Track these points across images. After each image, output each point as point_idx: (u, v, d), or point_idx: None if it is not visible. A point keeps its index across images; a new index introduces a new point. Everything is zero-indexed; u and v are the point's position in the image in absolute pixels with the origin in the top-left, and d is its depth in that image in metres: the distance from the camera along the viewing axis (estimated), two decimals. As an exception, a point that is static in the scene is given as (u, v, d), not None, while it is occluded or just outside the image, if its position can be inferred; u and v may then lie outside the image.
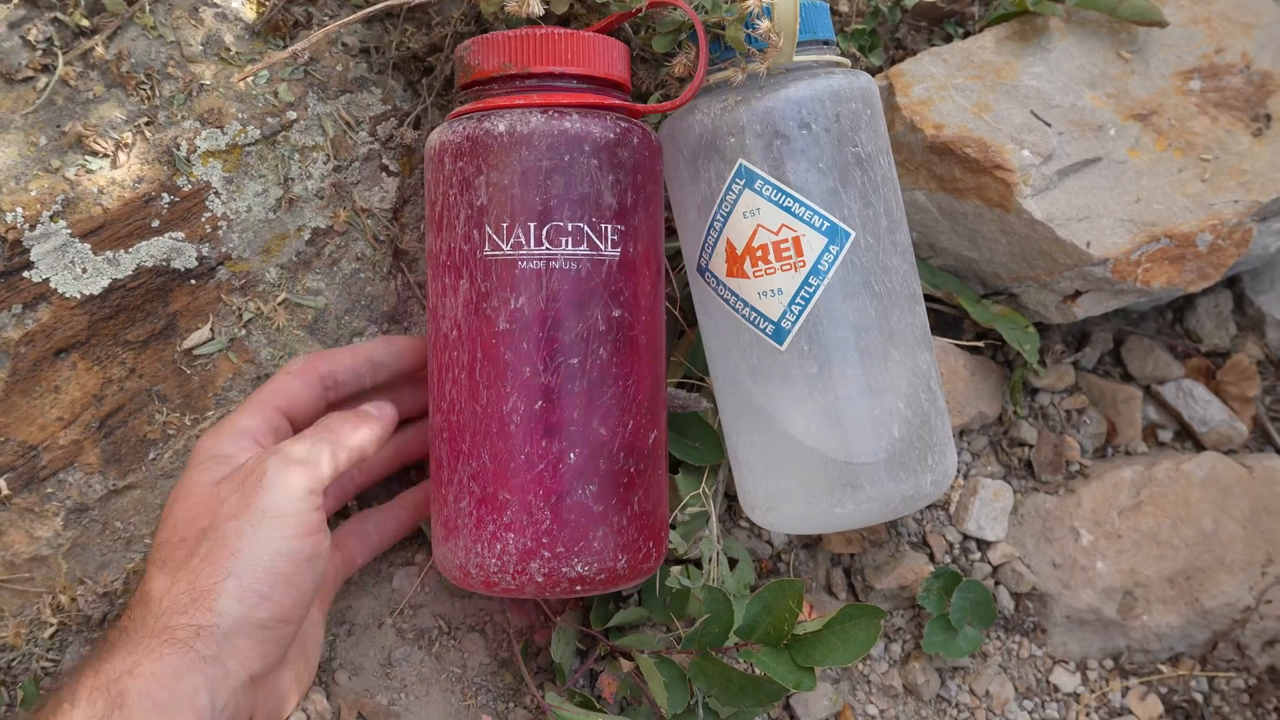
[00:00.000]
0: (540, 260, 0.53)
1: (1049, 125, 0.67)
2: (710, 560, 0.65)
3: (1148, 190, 0.68)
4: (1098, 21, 0.71)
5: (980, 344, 0.73)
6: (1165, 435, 0.78)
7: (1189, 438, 0.78)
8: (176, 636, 0.46)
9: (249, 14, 0.62)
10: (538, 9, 0.56)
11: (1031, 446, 0.74)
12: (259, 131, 0.62)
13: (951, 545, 0.71)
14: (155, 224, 0.60)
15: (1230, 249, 0.69)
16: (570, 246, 0.53)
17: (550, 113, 0.53)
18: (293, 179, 0.62)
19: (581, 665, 0.63)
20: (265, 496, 0.49)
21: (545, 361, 0.53)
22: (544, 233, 0.53)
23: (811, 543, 0.71)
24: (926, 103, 0.66)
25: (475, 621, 0.65)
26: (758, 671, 0.60)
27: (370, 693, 0.62)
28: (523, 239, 0.53)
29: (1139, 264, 0.67)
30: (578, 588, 0.54)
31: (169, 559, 0.49)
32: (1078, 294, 0.70)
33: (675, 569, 0.63)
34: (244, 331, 0.62)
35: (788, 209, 0.55)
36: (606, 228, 0.54)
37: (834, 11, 0.72)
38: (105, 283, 0.59)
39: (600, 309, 0.54)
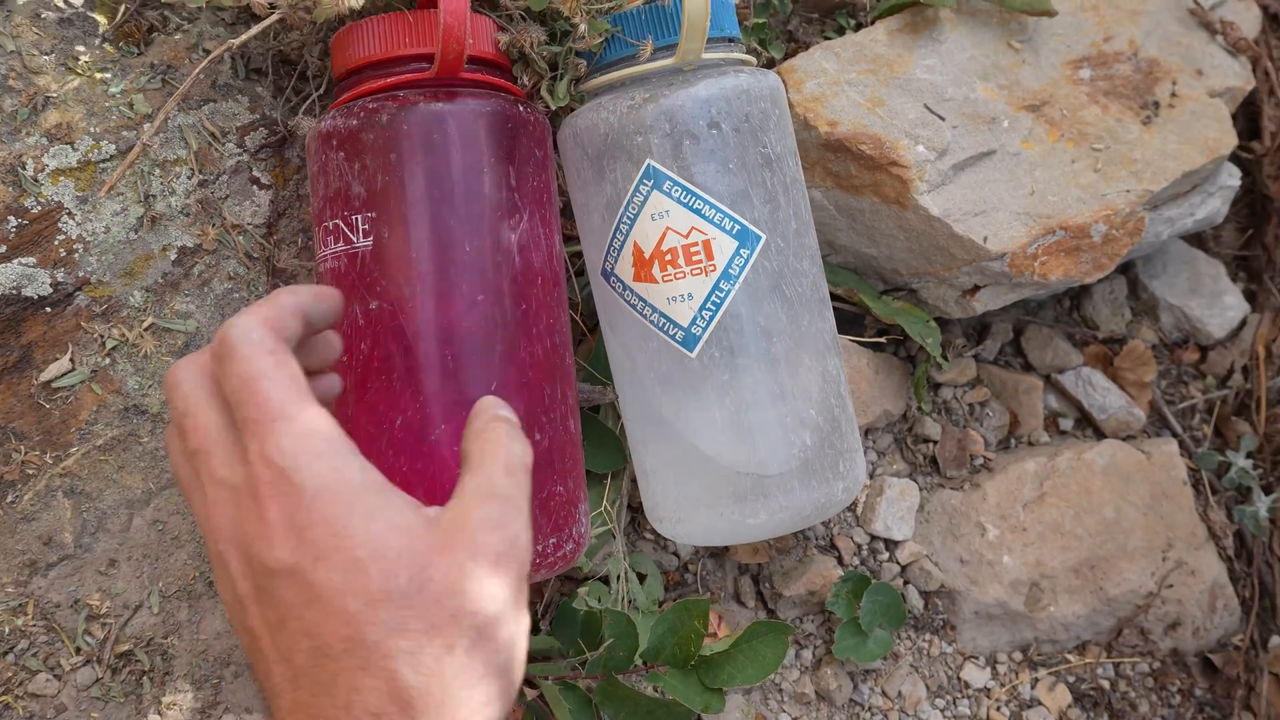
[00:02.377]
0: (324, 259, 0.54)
1: (943, 119, 0.66)
2: (618, 578, 0.63)
3: (1042, 182, 0.67)
4: (988, 12, 0.70)
5: (883, 340, 0.72)
6: (1066, 424, 0.78)
7: (1089, 425, 0.79)
8: None
9: (99, 19, 0.58)
10: (356, 2, 0.53)
11: (936, 442, 0.74)
12: (114, 146, 0.57)
13: (860, 546, 0.70)
14: (2, 250, 0.55)
15: (1124, 238, 0.69)
16: (332, 244, 0.53)
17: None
18: (154, 196, 0.58)
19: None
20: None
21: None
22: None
23: (719, 552, 0.69)
24: (820, 99, 0.65)
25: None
26: (666, 694, 0.58)
27: (261, 736, 0.59)
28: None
29: (1035, 257, 0.67)
30: None
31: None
32: (976, 288, 0.69)
33: (582, 590, 0.61)
34: (108, 360, 0.58)
35: (697, 211, 0.52)
36: (356, 218, 0.52)
37: None
38: (-52, 315, 0.54)
39: (358, 302, 0.52)
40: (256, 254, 0.61)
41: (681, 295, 0.53)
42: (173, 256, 0.59)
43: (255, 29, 0.54)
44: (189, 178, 0.59)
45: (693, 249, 0.52)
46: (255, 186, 0.61)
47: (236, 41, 0.55)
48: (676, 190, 0.52)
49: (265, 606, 0.37)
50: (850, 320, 0.73)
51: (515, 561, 0.38)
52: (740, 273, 0.52)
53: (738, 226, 0.52)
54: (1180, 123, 0.72)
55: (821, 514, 0.56)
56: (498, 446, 0.41)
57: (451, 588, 0.36)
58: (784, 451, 0.54)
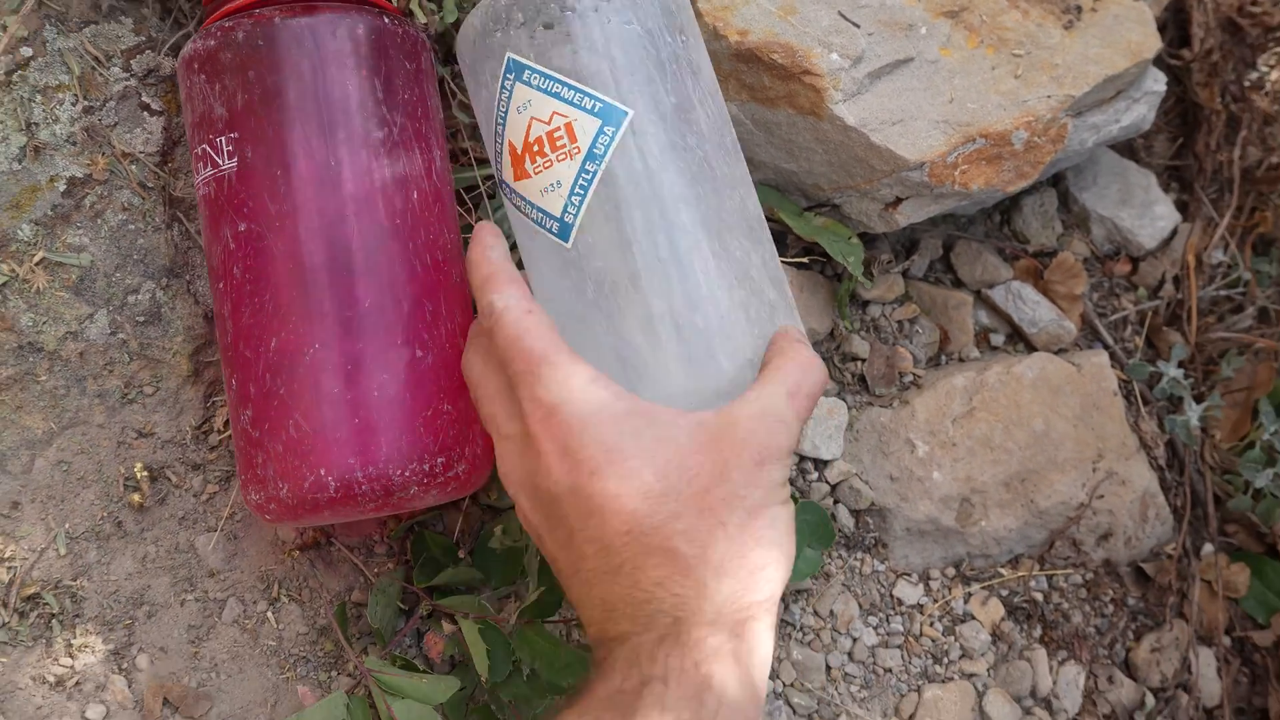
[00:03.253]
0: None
1: (858, 26, 0.64)
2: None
3: (961, 90, 0.66)
4: (905, -84, 0.68)
5: (805, 260, 0.71)
6: (998, 339, 0.78)
7: (1021, 340, 0.78)
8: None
9: (-32, -61, 0.55)
10: None
11: (864, 360, 0.73)
12: (-11, 72, 0.55)
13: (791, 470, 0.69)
14: (-125, 183, 0.53)
15: (1046, 145, 0.68)
16: (203, 170, 0.52)
17: None
18: (36, 124, 0.56)
19: (405, 626, 0.60)
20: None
21: None
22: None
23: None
24: (729, 7, 0.63)
25: (291, 589, 0.61)
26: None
27: (176, 675, 0.58)
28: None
29: (956, 166, 0.65)
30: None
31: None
32: (899, 201, 0.68)
33: (498, 529, 0.60)
34: (-2, 297, 0.56)
35: (556, 95, 0.50)
36: (221, 140, 0.51)
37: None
38: None
39: (228, 225, 0.51)
40: (151, 183, 0.59)
41: (552, 184, 0.50)
42: (61, 188, 0.57)
43: None
44: (73, 104, 0.57)
45: (556, 134, 0.49)
46: (145, 113, 0.59)
47: None
48: (535, 78, 0.50)
49: (555, 528, 0.43)
50: (774, 238, 0.71)
51: (777, 462, 0.43)
52: (606, 151, 0.49)
53: (599, 104, 0.49)
54: (1103, 26, 0.71)
55: None
56: (790, 369, 0.45)
57: (718, 478, 0.41)
58: (723, 343, 0.48)
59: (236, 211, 0.50)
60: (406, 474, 0.49)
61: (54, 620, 0.57)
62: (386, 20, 0.54)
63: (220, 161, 0.51)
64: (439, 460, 0.50)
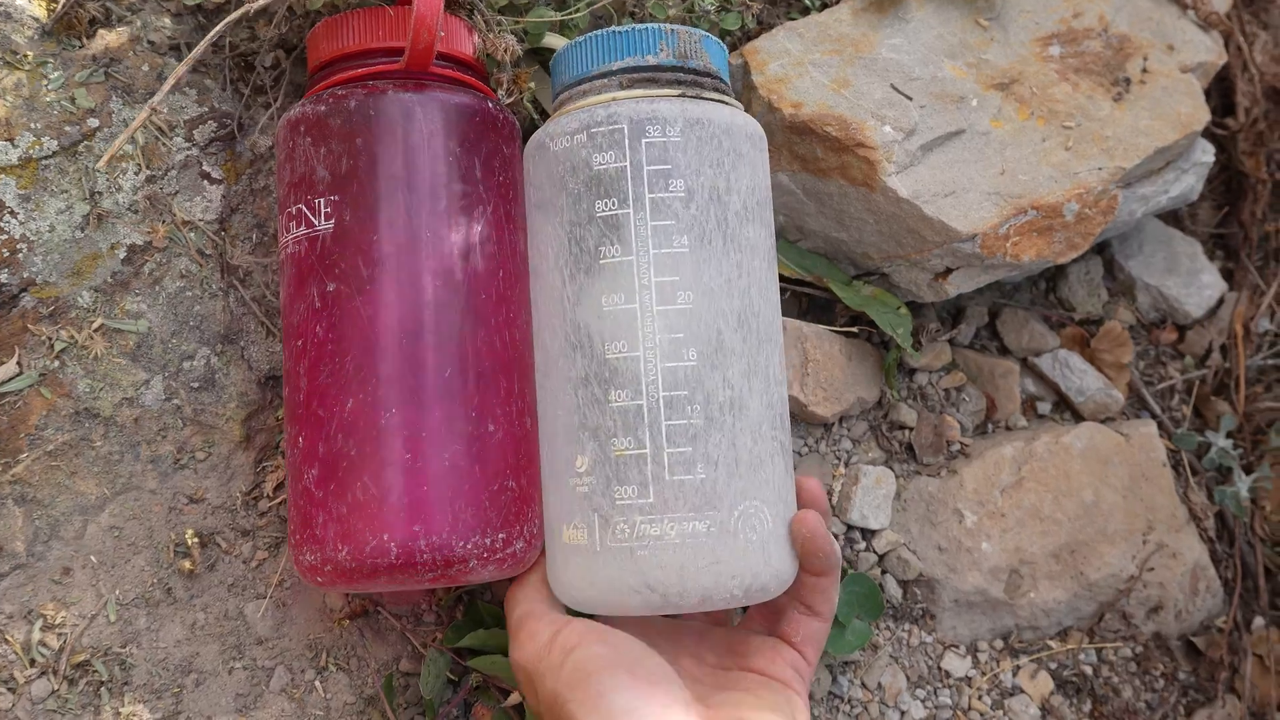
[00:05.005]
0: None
1: (910, 99, 0.65)
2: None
3: (1012, 161, 0.66)
4: (955, -11, 0.69)
5: (854, 330, 0.71)
6: (1044, 407, 0.77)
7: (1067, 408, 0.78)
8: None
9: (38, 11, 0.56)
10: None
11: (911, 429, 0.72)
12: (56, 143, 0.56)
13: (836, 536, 0.69)
14: (-58, 251, 0.54)
15: (1097, 217, 0.68)
16: (294, 229, 0.54)
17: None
18: (100, 193, 0.57)
19: (454, 697, 0.60)
20: None
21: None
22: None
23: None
24: (783, 80, 0.64)
25: (339, 658, 0.61)
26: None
27: (224, 746, 0.57)
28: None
29: (1007, 237, 0.65)
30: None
31: None
32: (949, 271, 0.68)
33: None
34: (57, 363, 0.56)
35: None
36: (319, 202, 0.52)
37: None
38: (-113, 320, 0.53)
39: (315, 285, 0.52)
40: (209, 250, 0.60)
41: None
42: (122, 255, 0.58)
43: (245, 6, 0.53)
44: (136, 173, 0.58)
45: None
46: (206, 181, 0.60)
47: (235, 16, 0.53)
48: None
49: None
50: (821, 307, 0.71)
51: None
52: None
53: None
54: (1152, 99, 0.71)
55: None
56: None
57: None
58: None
59: (327, 272, 0.51)
60: (468, 547, 0.49)
61: (103, 688, 0.57)
62: (490, 105, 0.55)
63: (316, 222, 0.52)
64: (500, 535, 0.50)
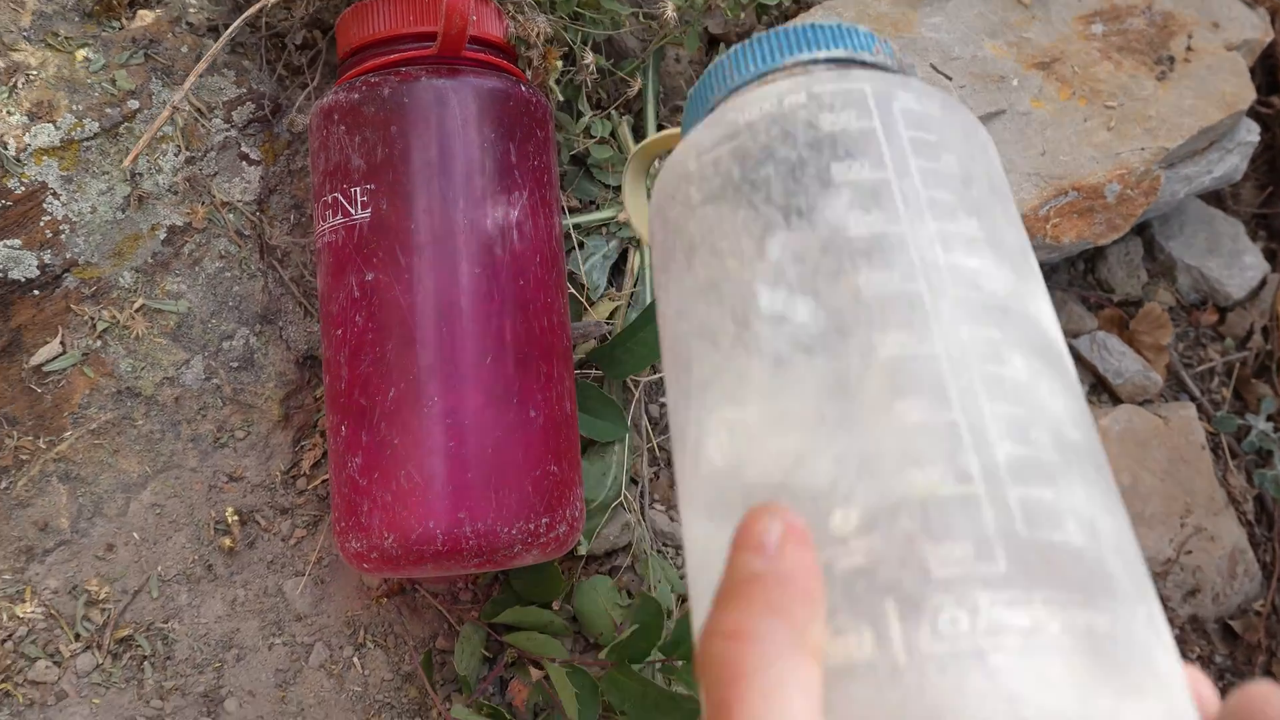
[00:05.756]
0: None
1: (950, 79, 0.64)
2: (647, 556, 0.62)
3: (1053, 142, 0.65)
4: (996, -34, 0.68)
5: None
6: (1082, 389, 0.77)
7: (1105, 390, 0.77)
8: None
9: (79, -7, 0.57)
10: None
11: (947, 411, 0.72)
12: (98, 124, 0.56)
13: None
14: (-13, 232, 0.54)
15: (1139, 198, 0.67)
16: (330, 218, 0.53)
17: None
18: (140, 174, 0.57)
19: (490, 673, 0.60)
20: None
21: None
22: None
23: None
24: (821, 60, 0.63)
25: (376, 635, 0.61)
26: (675, 687, 0.57)
27: (264, 719, 0.58)
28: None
29: (1048, 219, 0.65)
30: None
31: None
32: (987, 252, 0.67)
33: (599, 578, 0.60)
34: (99, 343, 0.57)
35: None
36: (355, 191, 0.52)
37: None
38: (-66, 300, 0.53)
39: (354, 275, 0.52)
40: (248, 231, 0.60)
41: None
42: (162, 236, 0.58)
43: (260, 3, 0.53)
44: (176, 155, 0.58)
45: None
46: (244, 162, 0.60)
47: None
48: None
49: None
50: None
51: None
52: None
53: None
54: (1196, 77, 0.70)
55: None
56: None
57: None
58: None
59: (365, 261, 0.51)
60: (513, 532, 0.50)
61: (146, 662, 0.58)
62: (524, 88, 0.55)
63: (352, 211, 0.52)
64: (543, 520, 0.51)
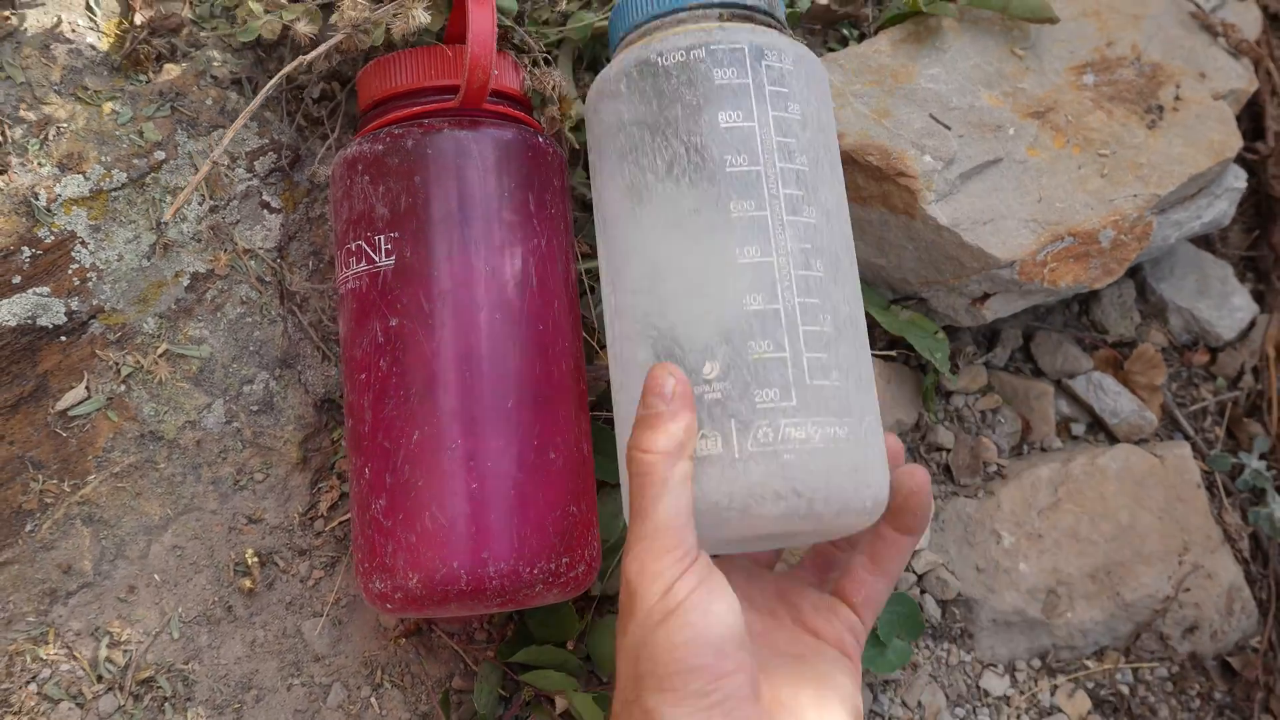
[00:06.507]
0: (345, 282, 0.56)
1: (949, 128, 0.66)
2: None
3: (1049, 189, 0.67)
4: (990, 20, 0.70)
5: (893, 353, 0.72)
6: (1079, 429, 0.78)
7: (1101, 430, 0.79)
8: None
9: (106, 47, 0.58)
10: (424, 18, 0.55)
11: (949, 450, 0.74)
12: (125, 175, 0.58)
13: (875, 556, 0.70)
14: (16, 280, 0.55)
15: (1132, 243, 0.69)
16: (354, 265, 0.55)
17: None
18: (166, 223, 0.59)
19: (507, 712, 0.61)
20: None
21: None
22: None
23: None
24: (826, 111, 0.65)
25: (394, 675, 0.62)
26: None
27: (283, 760, 0.59)
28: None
29: (1045, 264, 0.67)
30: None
31: None
32: (986, 296, 0.69)
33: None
34: (123, 387, 0.58)
35: None
36: (379, 238, 0.54)
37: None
38: (-36, 347, 0.55)
39: (378, 320, 0.54)
40: (268, 278, 0.62)
41: None
42: (185, 282, 0.59)
43: (319, 50, 0.55)
44: (200, 204, 0.60)
45: None
46: (266, 210, 0.62)
47: (309, 57, 0.55)
48: None
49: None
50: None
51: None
52: None
53: None
54: (1185, 126, 0.72)
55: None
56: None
57: None
58: None
59: (389, 307, 0.53)
60: (535, 572, 0.51)
61: (166, 704, 0.58)
62: (541, 139, 0.57)
63: (376, 258, 0.53)
64: (564, 560, 0.52)
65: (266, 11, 0.56)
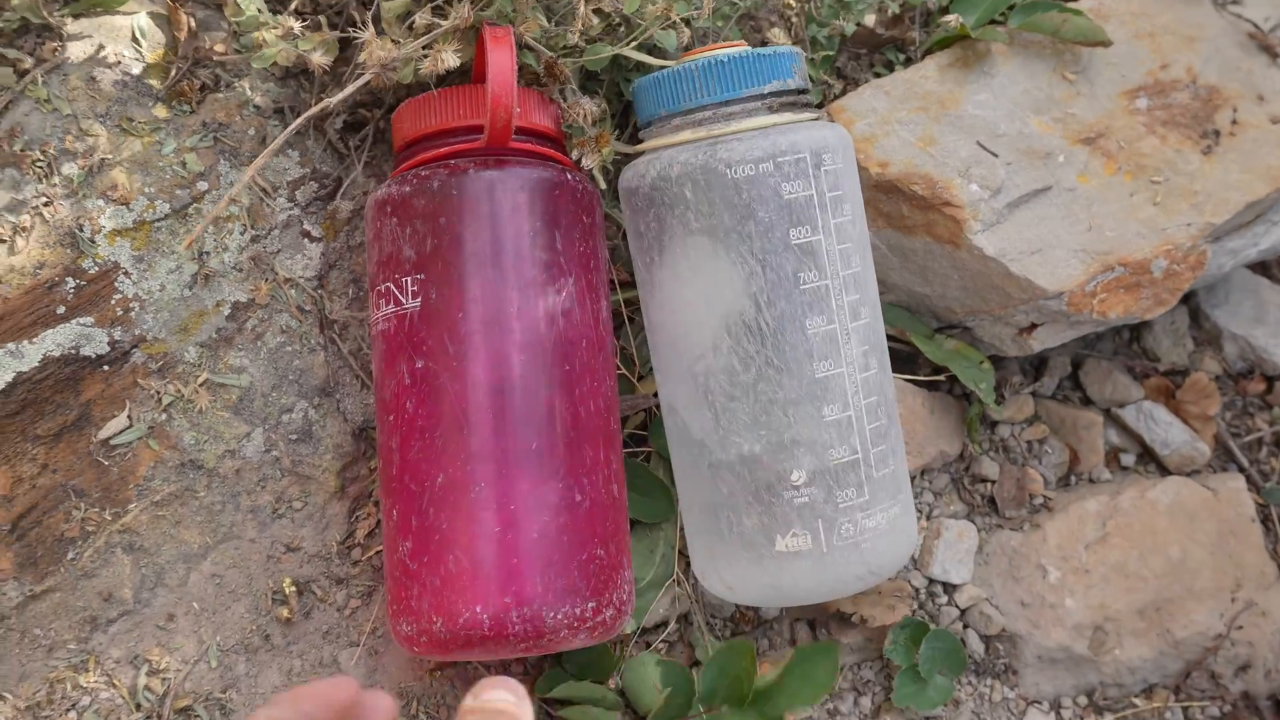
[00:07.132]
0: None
1: (996, 156, 0.65)
2: (700, 630, 0.63)
3: (1100, 217, 0.66)
4: (1041, 44, 0.69)
5: (940, 378, 0.71)
6: (1128, 459, 0.77)
7: (1152, 460, 0.77)
8: None
9: (152, 80, 0.59)
10: (453, 60, 0.54)
11: (994, 482, 0.72)
12: (168, 206, 0.58)
13: (918, 590, 0.69)
14: (60, 310, 0.56)
15: (1185, 273, 0.67)
16: (384, 307, 0.55)
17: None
18: (208, 253, 0.59)
19: (540, 747, 0.61)
20: None
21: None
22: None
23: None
24: (870, 139, 0.64)
25: (429, 706, 0.62)
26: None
27: (318, 791, 0.59)
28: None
29: (1094, 294, 0.65)
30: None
31: None
32: (1034, 326, 0.68)
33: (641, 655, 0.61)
34: (164, 416, 0.59)
35: None
36: (406, 280, 0.54)
37: (770, 42, 0.69)
38: (9, 377, 0.55)
39: (405, 362, 0.53)
40: (308, 307, 0.62)
41: None
42: (226, 312, 0.60)
43: (346, 91, 0.54)
44: (242, 233, 0.60)
45: None
46: (306, 240, 0.62)
47: (333, 101, 0.55)
48: None
49: None
50: (904, 359, 0.72)
51: None
52: None
53: None
54: (1242, 151, 0.70)
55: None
56: None
57: None
58: None
59: (415, 349, 0.52)
60: (559, 616, 0.50)
61: (204, 732, 0.58)
62: (570, 176, 0.56)
63: (404, 300, 0.53)
64: (590, 604, 0.51)
65: (281, 40, 0.56)
